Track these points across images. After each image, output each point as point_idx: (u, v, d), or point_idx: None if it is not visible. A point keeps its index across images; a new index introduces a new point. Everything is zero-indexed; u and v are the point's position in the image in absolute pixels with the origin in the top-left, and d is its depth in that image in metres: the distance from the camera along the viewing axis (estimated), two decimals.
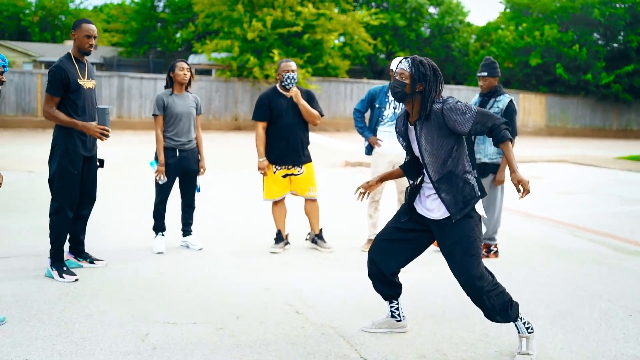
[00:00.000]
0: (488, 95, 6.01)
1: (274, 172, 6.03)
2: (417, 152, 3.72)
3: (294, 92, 5.88)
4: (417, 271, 5.27)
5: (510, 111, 5.86)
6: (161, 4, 33.46)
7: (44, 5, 41.52)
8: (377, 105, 6.17)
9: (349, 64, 25.63)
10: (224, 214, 7.88)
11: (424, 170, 3.70)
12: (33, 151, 13.65)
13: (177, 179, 6.05)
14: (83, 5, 65.59)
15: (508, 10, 31.08)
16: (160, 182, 5.90)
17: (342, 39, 26.51)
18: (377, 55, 31.68)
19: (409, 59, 3.63)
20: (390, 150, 6.07)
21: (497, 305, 3.59)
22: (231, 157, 14.18)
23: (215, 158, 12.33)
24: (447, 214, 3.63)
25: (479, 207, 3.67)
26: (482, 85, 6.02)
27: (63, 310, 4.28)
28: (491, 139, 3.70)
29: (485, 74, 5.97)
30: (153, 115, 5.91)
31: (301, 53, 23.51)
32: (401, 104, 4.15)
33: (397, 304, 4.06)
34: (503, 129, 3.50)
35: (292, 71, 5.91)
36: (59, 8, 41.95)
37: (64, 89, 4.88)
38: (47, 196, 5.32)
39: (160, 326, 4.05)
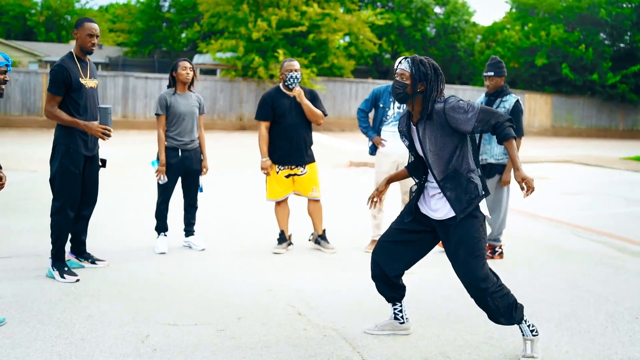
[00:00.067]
0: (494, 95, 5.95)
1: (277, 172, 6.00)
2: (420, 152, 3.68)
3: (297, 92, 5.85)
4: (421, 272, 5.22)
5: (516, 111, 5.80)
6: (166, 4, 33.55)
7: (50, 5, 41.64)
8: (381, 105, 6.13)
9: (354, 64, 25.62)
10: (227, 214, 7.85)
11: (429, 170, 3.66)
12: (37, 151, 13.66)
13: (179, 179, 6.03)
14: (89, 5, 65.79)
15: (514, 10, 30.99)
16: (160, 182, 5.87)
17: (347, 38, 26.49)
18: (382, 55, 31.68)
19: (409, 59, 3.57)
20: (394, 150, 6.03)
21: (502, 307, 3.54)
22: (235, 157, 14.16)
23: (219, 158, 12.31)
24: (451, 214, 3.58)
25: (484, 207, 3.62)
26: (489, 85, 5.96)
27: (63, 311, 4.25)
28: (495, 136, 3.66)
29: (492, 73, 5.91)
30: (155, 114, 5.88)
31: (306, 53, 23.49)
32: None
33: (401, 306, 4.01)
34: (507, 127, 3.44)
35: (295, 70, 5.87)
36: (64, 8, 42.08)
37: (65, 88, 4.85)
38: (49, 196, 5.30)
39: (160, 327, 4.03)
